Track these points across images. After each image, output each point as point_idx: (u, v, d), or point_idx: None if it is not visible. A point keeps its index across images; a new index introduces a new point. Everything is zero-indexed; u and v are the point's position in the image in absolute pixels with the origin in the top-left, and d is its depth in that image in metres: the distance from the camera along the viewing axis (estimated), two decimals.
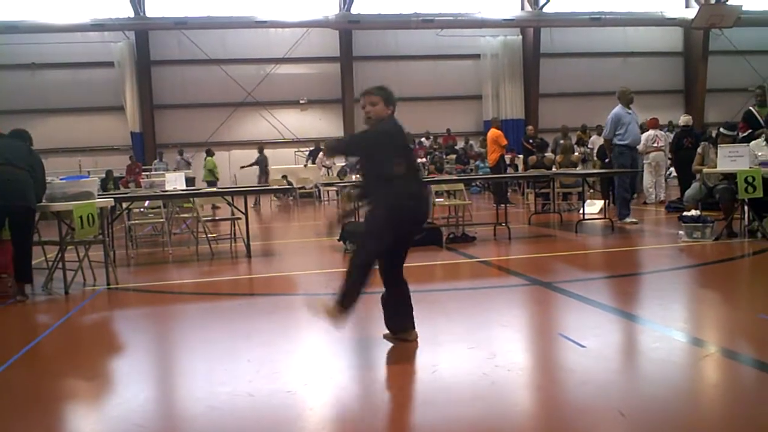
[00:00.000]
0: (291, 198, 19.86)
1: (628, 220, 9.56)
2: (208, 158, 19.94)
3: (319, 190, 20.18)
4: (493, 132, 14.03)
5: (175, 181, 9.53)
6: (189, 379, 3.67)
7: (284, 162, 23.07)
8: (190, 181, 15.96)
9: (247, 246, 8.11)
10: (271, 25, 23.01)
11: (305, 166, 22.29)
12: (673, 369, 3.38)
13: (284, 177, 20.38)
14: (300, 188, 19.88)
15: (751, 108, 9.71)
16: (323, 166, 20.67)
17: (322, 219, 13.69)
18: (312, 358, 3.89)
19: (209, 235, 8.79)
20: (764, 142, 8.13)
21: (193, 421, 2.97)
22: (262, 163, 20.29)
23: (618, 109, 9.74)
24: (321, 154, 21.08)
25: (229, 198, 8.64)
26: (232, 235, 8.99)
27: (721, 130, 9.16)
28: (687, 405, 2.93)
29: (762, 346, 3.76)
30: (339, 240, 8.24)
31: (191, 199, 9.16)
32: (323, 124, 24.85)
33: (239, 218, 8.55)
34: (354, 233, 8.05)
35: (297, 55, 24.16)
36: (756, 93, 9.83)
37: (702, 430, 2.65)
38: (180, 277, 7.24)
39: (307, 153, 22.90)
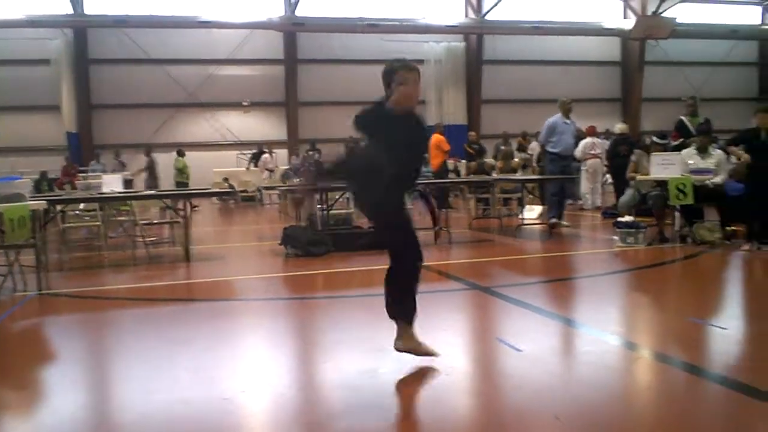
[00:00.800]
0: (233, 202, 19.64)
1: (553, 220, 9.77)
2: (179, 158, 19.60)
3: (261, 194, 20.01)
4: (435, 137, 14.17)
5: (112, 184, 9.32)
6: (122, 387, 3.58)
7: (226, 165, 22.80)
8: (127, 183, 15.61)
9: (186, 250, 7.98)
10: (214, 26, 22.69)
11: (247, 169, 22.07)
12: (607, 372, 3.47)
13: (226, 180, 20.15)
14: (242, 191, 19.68)
15: (682, 118, 10.05)
16: (266, 169, 20.53)
17: (265, 223, 13.57)
18: (251, 364, 3.85)
19: (147, 239, 8.61)
20: (695, 151, 8.41)
21: (125, 430, 2.91)
22: (151, 167, 19.16)
23: (556, 117, 10.00)
24: (265, 156, 20.93)
25: (168, 201, 8.49)
26: (171, 239, 8.84)
27: (654, 139, 9.49)
28: (620, 408, 3.01)
29: (691, 348, 3.89)
30: (280, 244, 8.19)
31: (128, 202, 8.96)
32: (266, 127, 24.65)
33: (178, 222, 8.41)
34: (294, 237, 8.02)
35: (241, 56, 23.90)
36: (688, 103, 10.19)
37: (633, 431, 2.73)
38: (116, 282, 7.07)
39: (249, 156, 22.67)
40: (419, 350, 3.58)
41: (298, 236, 8.08)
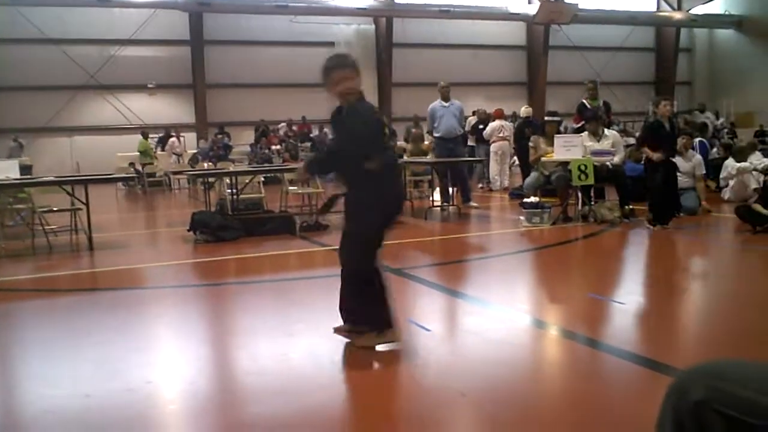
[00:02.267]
0: (139, 187, 19.04)
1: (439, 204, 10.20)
2: (142, 140, 18.96)
3: (169, 179, 19.46)
4: None
5: (7, 170, 8.83)
6: (22, 382, 3.43)
7: (131, 149, 22.04)
8: (26, 169, 14.89)
9: (89, 238, 7.68)
10: (115, 5, 21.83)
11: (154, 153, 21.42)
12: (512, 349, 3.58)
13: (131, 165, 19.51)
14: (149, 176, 19.10)
15: (583, 101, 10.40)
16: (173, 153, 19.99)
17: (172, 209, 13.24)
18: (157, 354, 3.76)
19: (47, 227, 8.23)
20: (589, 135, 8.74)
21: (24, 427, 2.79)
22: (15, 153, 18.17)
23: (435, 102, 10.33)
24: (172, 140, 20.38)
25: (69, 188, 8.12)
26: (73, 227, 8.49)
27: (546, 118, 9.89)
28: (523, 382, 3.11)
29: (591, 323, 4.06)
30: (189, 230, 8.00)
31: (26, 189, 8.54)
32: (173, 110, 23.96)
33: (80, 209, 8.08)
34: (203, 223, 7.86)
35: (144, 37, 23.07)
36: (588, 87, 10.55)
37: (538, 406, 2.83)
38: (14, 272, 6.72)
39: (156, 139, 21.99)
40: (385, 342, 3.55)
41: (208, 221, 7.91)
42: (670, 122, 7.70)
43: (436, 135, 10.48)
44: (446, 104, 10.33)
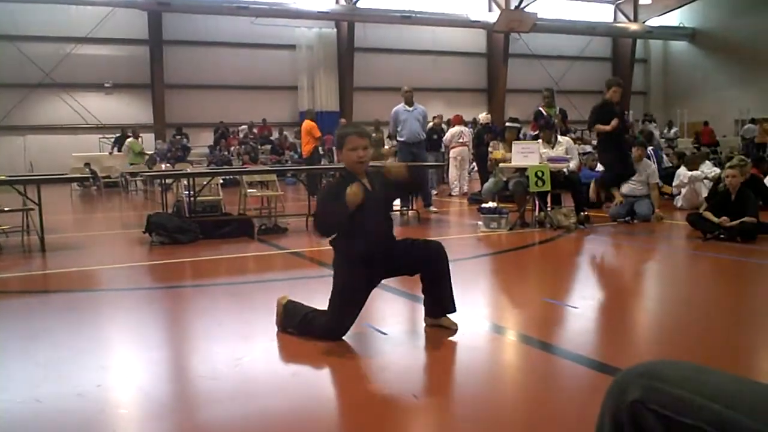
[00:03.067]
0: (95, 188, 18.70)
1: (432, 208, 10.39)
2: (133, 141, 18.55)
3: (125, 180, 19.16)
4: (307, 123, 14.15)
5: None
6: None
7: (87, 149, 21.67)
8: None
9: (41, 239, 7.53)
10: (71, 2, 21.44)
11: (110, 153, 21.09)
12: (466, 352, 3.61)
13: (87, 165, 19.17)
14: (105, 177, 18.78)
15: (540, 108, 10.56)
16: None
17: (129, 210, 13.03)
18: (109, 358, 3.69)
19: None
20: (542, 143, 8.91)
21: None
22: None
23: (399, 106, 10.39)
24: (129, 140, 20.05)
25: (20, 187, 7.95)
26: (25, 228, 8.30)
27: (507, 124, 10.03)
28: (475, 385, 3.14)
29: (544, 327, 4.12)
30: (144, 232, 7.90)
31: None
32: (131, 110, 23.62)
33: (32, 209, 7.90)
34: (160, 224, 7.77)
35: (101, 35, 22.73)
36: (544, 95, 10.72)
37: (490, 407, 2.86)
38: None
39: (112, 140, 21.64)
40: None
41: (164, 223, 7.82)
42: (619, 106, 7.93)
43: (399, 139, 10.53)
44: (410, 108, 10.40)
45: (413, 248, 3.97)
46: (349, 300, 3.73)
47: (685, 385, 1.13)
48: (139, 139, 20.32)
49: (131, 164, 18.72)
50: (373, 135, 16.04)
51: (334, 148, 15.99)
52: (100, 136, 22.79)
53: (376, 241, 3.78)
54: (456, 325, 3.93)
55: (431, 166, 10.32)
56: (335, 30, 26.14)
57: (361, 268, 3.74)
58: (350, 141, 3.70)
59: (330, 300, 3.78)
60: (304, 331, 3.78)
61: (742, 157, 8.48)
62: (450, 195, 14.08)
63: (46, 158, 20.77)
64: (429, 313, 3.99)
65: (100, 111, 23.12)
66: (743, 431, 1.05)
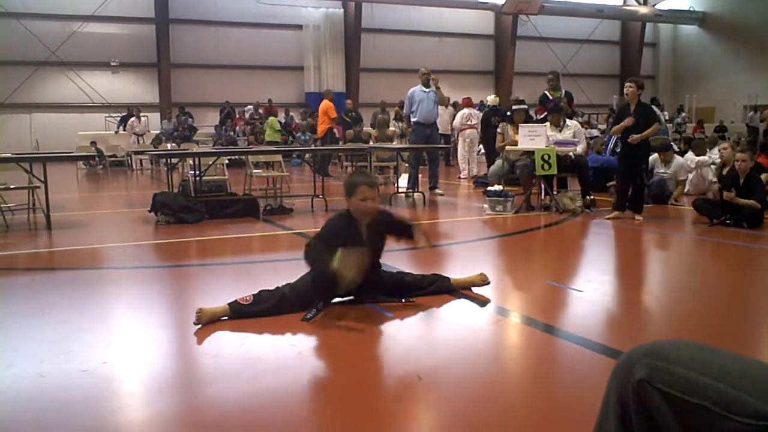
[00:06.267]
0: (100, 167, 18.73)
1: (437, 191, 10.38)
2: (272, 118, 19.76)
3: (130, 159, 19.19)
4: (325, 103, 14.16)
5: None
6: None
7: (93, 128, 21.67)
8: None
9: (47, 217, 7.54)
10: None
11: (116, 132, 21.09)
12: (470, 333, 3.62)
13: (93, 144, 19.18)
14: (110, 156, 18.81)
15: (545, 92, 10.50)
16: (133, 133, 19.70)
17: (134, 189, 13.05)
18: (114, 335, 3.71)
19: (3, 205, 8.06)
20: (549, 126, 8.86)
21: None
22: None
23: (415, 87, 10.40)
24: (132, 119, 20.04)
25: (26, 165, 7.95)
26: (31, 206, 8.33)
27: (513, 107, 9.96)
28: (480, 366, 3.15)
29: (548, 310, 4.13)
30: (150, 211, 7.91)
31: None
32: (137, 89, 23.57)
33: (38, 187, 7.92)
34: (165, 204, 7.78)
35: (108, 13, 22.63)
36: (548, 78, 10.64)
37: (492, 388, 2.86)
38: None
39: (118, 119, 21.63)
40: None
41: (170, 203, 7.83)
42: (635, 106, 7.62)
43: (413, 119, 10.55)
44: (426, 90, 10.42)
45: (409, 283, 4.20)
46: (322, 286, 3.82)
47: (690, 365, 1.13)
48: (142, 118, 20.29)
49: (268, 141, 19.21)
50: (379, 116, 16.01)
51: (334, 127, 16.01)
52: (106, 114, 22.77)
53: (359, 285, 3.77)
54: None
55: (441, 148, 10.32)
56: (342, 10, 25.98)
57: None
58: (361, 191, 3.81)
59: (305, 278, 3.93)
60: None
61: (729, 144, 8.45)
62: (459, 177, 14.06)
63: (52, 136, 20.78)
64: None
65: (106, 90, 23.08)
66: (747, 410, 1.05)
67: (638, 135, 7.44)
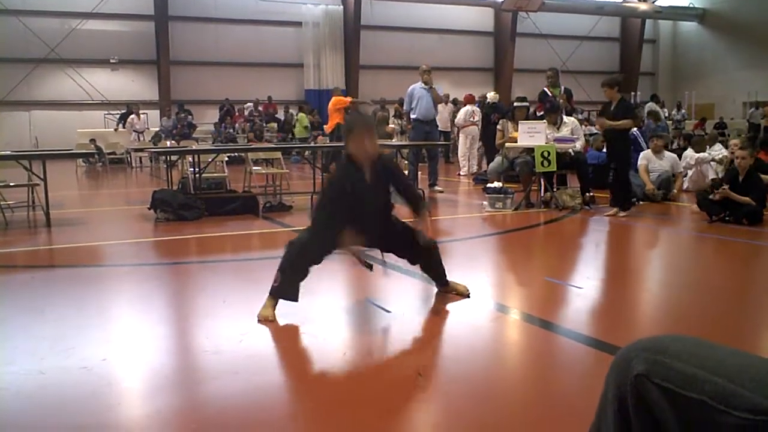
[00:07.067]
0: (100, 164, 18.73)
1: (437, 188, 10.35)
2: (301, 114, 20.30)
3: (130, 156, 19.18)
4: (336, 99, 14.12)
5: None
6: None
7: (93, 125, 21.66)
8: None
9: (47, 214, 7.54)
10: None
11: (116, 129, 21.08)
12: (469, 330, 3.62)
13: (92, 141, 19.17)
14: (110, 153, 18.80)
15: (545, 89, 10.48)
16: (133, 130, 19.69)
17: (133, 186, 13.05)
18: (113, 332, 3.72)
19: (3, 203, 8.05)
20: (547, 125, 8.85)
21: None
22: None
23: (416, 85, 10.43)
24: (132, 117, 20.03)
25: (26, 163, 7.95)
26: (30, 203, 8.33)
27: (515, 104, 9.95)
28: (480, 363, 3.15)
29: (546, 305, 4.13)
30: (149, 208, 7.91)
31: None
32: (136, 86, 23.54)
33: (38, 184, 7.92)
34: (165, 201, 7.78)
35: (107, 10, 22.59)
36: (548, 75, 10.63)
37: (492, 384, 2.87)
38: None
39: (117, 116, 21.61)
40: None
41: (169, 200, 7.82)
42: (614, 105, 7.73)
43: (413, 116, 10.57)
44: (426, 87, 10.43)
45: (406, 238, 4.02)
46: (329, 217, 3.81)
47: (688, 360, 1.14)
48: (142, 116, 20.27)
49: (298, 138, 19.36)
50: (378, 113, 16.02)
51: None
52: (106, 112, 22.75)
53: (370, 228, 3.81)
54: (468, 289, 4.19)
55: (440, 145, 10.35)
56: (341, 7, 25.94)
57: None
58: (358, 132, 3.75)
59: (311, 217, 3.95)
60: (289, 259, 3.82)
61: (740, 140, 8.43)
62: (459, 174, 14.05)
63: (51, 134, 20.76)
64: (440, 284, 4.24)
65: (105, 87, 23.05)
66: (746, 404, 1.05)
67: (612, 123, 7.61)
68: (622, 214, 7.68)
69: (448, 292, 4.19)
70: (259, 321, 3.69)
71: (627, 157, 7.97)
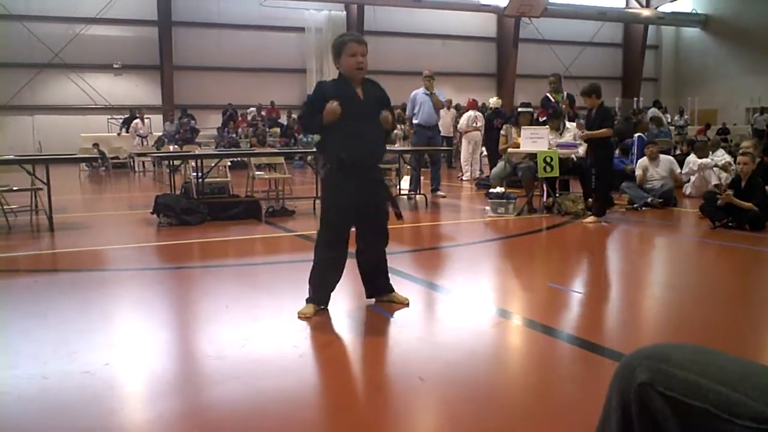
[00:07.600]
0: (103, 168, 18.75)
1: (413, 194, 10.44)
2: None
3: (133, 161, 19.20)
4: None
5: None
6: None
7: (96, 130, 21.69)
8: None
9: (50, 218, 7.56)
10: None
11: (119, 134, 21.11)
12: (471, 335, 3.62)
13: (95, 146, 19.20)
14: (113, 158, 18.82)
15: (547, 94, 10.50)
16: (137, 135, 19.71)
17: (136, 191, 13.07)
18: (116, 337, 3.72)
19: (6, 207, 8.07)
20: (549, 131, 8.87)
21: None
22: None
23: (418, 90, 10.49)
24: (136, 121, 20.06)
25: (29, 167, 7.97)
26: (33, 207, 8.34)
27: (519, 109, 9.97)
28: (481, 367, 3.15)
29: (548, 311, 4.12)
30: (152, 213, 7.92)
31: None
32: (140, 91, 23.60)
33: (41, 189, 7.93)
34: (168, 206, 7.79)
35: (110, 15, 22.66)
36: (550, 80, 10.65)
37: (494, 389, 2.87)
38: None
39: (121, 121, 21.65)
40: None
41: (172, 204, 7.84)
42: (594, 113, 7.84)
43: (415, 122, 10.61)
44: (427, 93, 10.47)
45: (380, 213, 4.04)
46: (339, 210, 3.86)
47: (691, 368, 1.14)
48: (146, 121, 20.30)
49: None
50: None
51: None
52: (109, 117, 22.79)
53: (365, 145, 3.83)
54: (407, 299, 4.11)
55: (443, 150, 10.37)
56: (344, 12, 25.99)
57: (346, 181, 3.81)
58: (349, 48, 3.77)
59: (320, 219, 4.01)
60: (316, 260, 3.93)
61: (752, 143, 8.43)
62: (461, 180, 14.06)
63: (54, 138, 20.80)
64: (374, 294, 4.14)
65: (108, 92, 23.10)
66: (749, 413, 1.05)
67: (590, 132, 7.68)
68: (593, 219, 7.68)
69: (381, 300, 4.13)
70: (299, 317, 3.83)
71: (608, 163, 8.03)
